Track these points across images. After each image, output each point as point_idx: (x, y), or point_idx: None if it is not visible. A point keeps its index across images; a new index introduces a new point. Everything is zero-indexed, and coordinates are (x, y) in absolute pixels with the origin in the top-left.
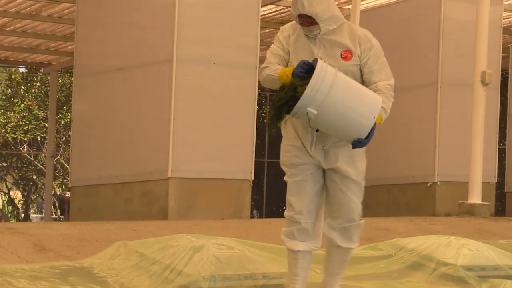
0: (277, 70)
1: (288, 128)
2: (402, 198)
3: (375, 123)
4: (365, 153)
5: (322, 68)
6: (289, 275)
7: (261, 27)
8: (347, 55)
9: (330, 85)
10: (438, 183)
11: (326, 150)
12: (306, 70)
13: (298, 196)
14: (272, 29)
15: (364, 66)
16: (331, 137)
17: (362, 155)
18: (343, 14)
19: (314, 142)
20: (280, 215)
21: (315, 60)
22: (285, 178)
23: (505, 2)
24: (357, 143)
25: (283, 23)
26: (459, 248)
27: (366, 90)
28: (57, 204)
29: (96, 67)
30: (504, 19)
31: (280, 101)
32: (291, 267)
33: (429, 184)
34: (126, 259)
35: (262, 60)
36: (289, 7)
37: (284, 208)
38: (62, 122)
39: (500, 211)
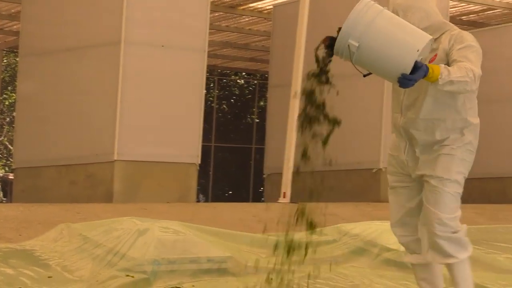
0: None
1: (392, 137)
2: (347, 184)
3: (424, 65)
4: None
5: (368, 2)
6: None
7: (210, 10)
8: (434, 58)
9: (373, 17)
10: (383, 169)
11: (417, 156)
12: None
13: (393, 208)
14: (221, 13)
15: (450, 56)
16: (421, 141)
17: (461, 162)
18: None
19: (406, 148)
20: (226, 199)
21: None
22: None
23: None
24: (403, 80)
25: (232, 7)
26: None
27: (413, 26)
28: None
29: (42, 47)
30: (450, 8)
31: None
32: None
33: (374, 170)
34: (69, 241)
35: (210, 44)
36: None
37: (230, 192)
38: (7, 103)
39: None
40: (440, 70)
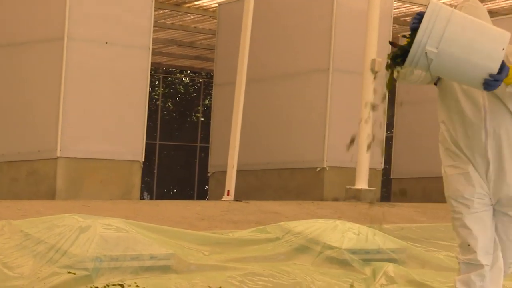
0: None
1: (449, 152)
2: (291, 183)
3: (505, 64)
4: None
5: (436, 5)
6: None
7: (155, 8)
8: None
9: (447, 19)
10: (327, 168)
11: (498, 179)
12: (419, 20)
13: (475, 235)
14: (166, 10)
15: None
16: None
17: None
18: None
19: (490, 166)
20: (171, 197)
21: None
22: (453, 216)
23: None
24: (491, 82)
25: (177, 4)
26: (344, 232)
27: (489, 24)
28: None
29: None
30: (394, 9)
31: (393, 55)
32: None
33: (318, 169)
34: (9, 238)
35: (155, 41)
36: None
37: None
38: None
39: (385, 197)
40: None
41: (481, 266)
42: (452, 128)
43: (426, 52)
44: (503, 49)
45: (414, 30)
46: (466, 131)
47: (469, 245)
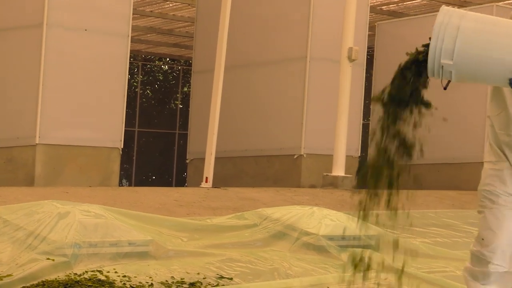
0: None
1: (492, 148)
2: (269, 170)
3: None
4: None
5: (444, 15)
6: None
7: None
8: None
9: (457, 27)
10: (304, 155)
11: None
12: None
13: (493, 231)
14: None
15: None
16: None
17: None
18: None
19: None
20: (150, 184)
21: None
22: (479, 209)
23: None
24: None
25: None
26: (321, 219)
27: (500, 18)
28: None
29: None
30: None
31: (403, 66)
32: None
33: (295, 157)
34: None
35: (134, 28)
36: None
37: (153, 177)
38: None
39: None
40: None
41: (489, 262)
42: (497, 125)
43: (442, 66)
44: None
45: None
46: (509, 129)
47: (483, 239)
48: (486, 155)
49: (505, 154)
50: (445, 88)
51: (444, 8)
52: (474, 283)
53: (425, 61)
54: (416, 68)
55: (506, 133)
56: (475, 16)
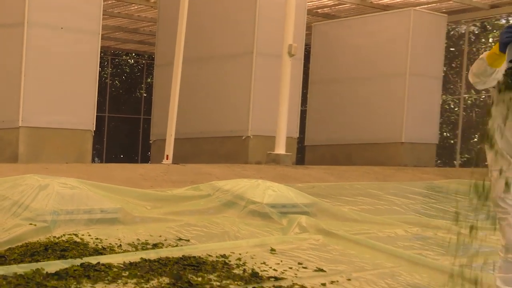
0: (486, 53)
1: (498, 156)
2: (221, 149)
3: None
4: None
5: None
6: None
7: None
8: None
9: None
10: (251, 136)
11: None
12: None
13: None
14: (114, 1)
15: None
16: None
17: None
18: None
19: None
20: (118, 161)
21: None
22: (500, 216)
23: None
24: None
25: None
26: (265, 190)
27: None
28: None
29: None
30: (308, 2)
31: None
32: None
33: (243, 138)
34: None
35: (104, 27)
36: None
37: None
38: None
39: (300, 160)
40: None
41: None
42: (508, 134)
43: None
44: None
45: (506, 44)
46: None
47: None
48: (493, 164)
49: None
50: None
51: None
52: None
53: None
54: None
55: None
56: None
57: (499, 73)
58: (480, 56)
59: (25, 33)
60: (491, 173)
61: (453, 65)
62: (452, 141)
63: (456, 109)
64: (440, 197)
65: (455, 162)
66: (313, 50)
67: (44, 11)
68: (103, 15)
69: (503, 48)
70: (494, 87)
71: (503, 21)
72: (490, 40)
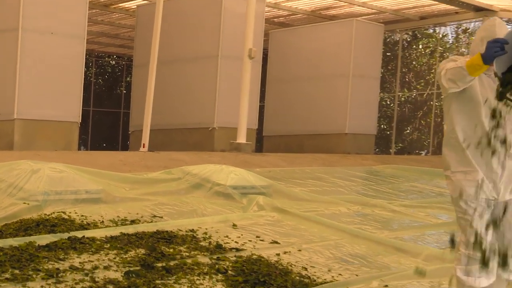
0: (464, 61)
1: (461, 157)
2: (190, 138)
3: None
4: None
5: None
6: None
7: (89, 8)
8: None
9: None
10: (216, 128)
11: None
12: (502, 47)
13: (483, 234)
14: (98, 10)
15: None
16: None
17: None
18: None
19: (503, 174)
20: (101, 149)
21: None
22: (461, 216)
23: (267, 0)
24: None
25: (106, 5)
26: (228, 173)
27: None
28: None
29: None
30: (266, 12)
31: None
32: None
33: (210, 129)
34: None
35: (89, 33)
36: None
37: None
38: None
39: (258, 149)
40: None
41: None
42: (471, 136)
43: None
44: None
45: (494, 58)
46: (484, 141)
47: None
48: (455, 166)
49: (479, 164)
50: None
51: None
52: (471, 278)
53: None
54: None
55: (483, 145)
56: None
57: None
58: (458, 63)
59: (19, 38)
60: (453, 174)
61: (389, 67)
62: (388, 132)
63: (391, 105)
64: (377, 180)
65: (390, 150)
66: (270, 53)
67: (36, 19)
68: (88, 22)
69: (489, 62)
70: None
71: (431, 31)
72: (420, 46)
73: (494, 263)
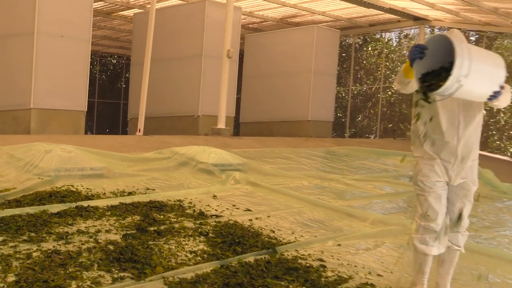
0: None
1: (423, 146)
2: (178, 125)
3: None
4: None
5: (461, 43)
6: (418, 275)
7: (93, 15)
8: None
9: (470, 53)
10: (201, 116)
11: (460, 169)
12: (421, 51)
13: (436, 209)
14: (100, 17)
15: None
16: (467, 155)
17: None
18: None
19: (456, 162)
20: (104, 134)
21: (430, 40)
22: (419, 193)
23: (243, 10)
24: (495, 95)
25: (108, 13)
26: (210, 153)
27: (487, 51)
28: None
29: None
30: (242, 19)
31: (425, 83)
32: (422, 268)
33: (195, 116)
34: (0, 158)
35: (94, 36)
36: (117, 2)
37: (107, 130)
38: None
39: (236, 133)
40: None
41: (435, 231)
42: (432, 130)
43: (458, 82)
44: (504, 67)
45: (414, 60)
46: (442, 134)
47: (428, 215)
48: (417, 151)
49: (437, 153)
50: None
51: (456, 39)
52: (425, 246)
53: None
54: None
55: (441, 137)
56: (475, 47)
57: (412, 82)
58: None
59: (35, 40)
60: (415, 158)
61: (344, 65)
62: (343, 120)
63: (346, 97)
64: (334, 159)
65: (345, 134)
66: (245, 54)
67: (49, 24)
68: (92, 27)
69: (411, 64)
70: (416, 92)
71: (378, 36)
72: (370, 48)
73: (445, 237)
